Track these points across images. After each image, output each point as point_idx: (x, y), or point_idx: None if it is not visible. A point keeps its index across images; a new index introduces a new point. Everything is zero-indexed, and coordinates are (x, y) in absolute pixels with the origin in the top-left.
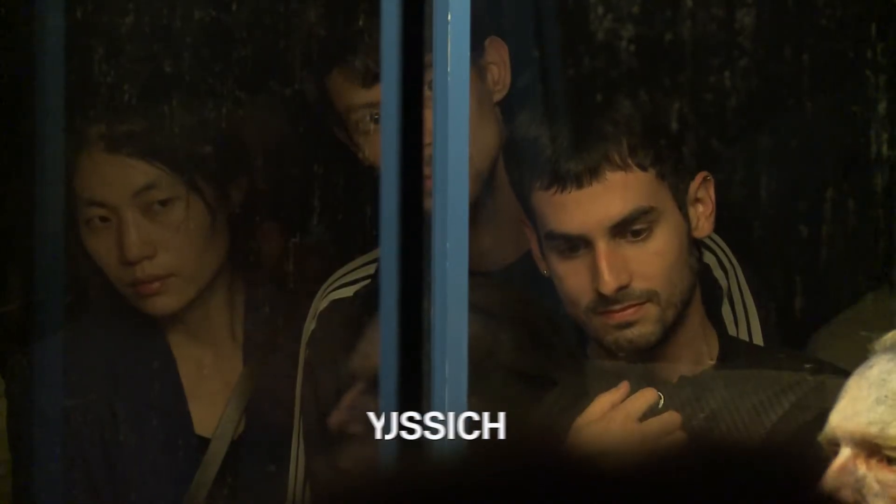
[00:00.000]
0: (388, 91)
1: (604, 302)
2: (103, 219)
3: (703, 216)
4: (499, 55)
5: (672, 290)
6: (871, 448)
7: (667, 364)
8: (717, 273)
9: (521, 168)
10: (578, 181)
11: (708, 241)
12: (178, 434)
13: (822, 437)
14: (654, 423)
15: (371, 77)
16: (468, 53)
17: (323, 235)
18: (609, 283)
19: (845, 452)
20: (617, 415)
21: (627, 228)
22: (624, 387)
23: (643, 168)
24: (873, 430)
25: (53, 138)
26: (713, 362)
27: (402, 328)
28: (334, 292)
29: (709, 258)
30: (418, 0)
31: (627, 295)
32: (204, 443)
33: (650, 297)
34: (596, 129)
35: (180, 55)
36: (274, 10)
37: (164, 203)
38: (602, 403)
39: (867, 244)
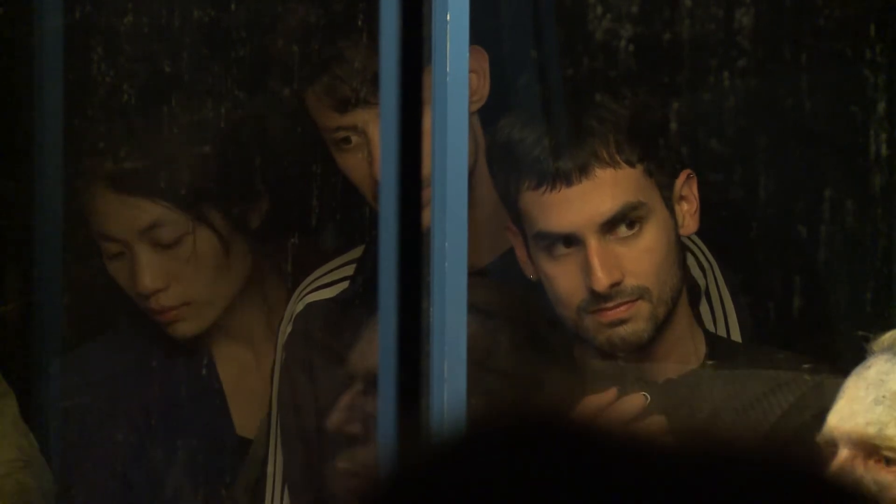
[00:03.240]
0: (387, 91)
1: (596, 300)
2: (117, 251)
3: (688, 214)
4: (478, 64)
5: (663, 286)
6: (869, 449)
7: (656, 364)
8: (695, 272)
9: (507, 170)
10: (568, 179)
11: (685, 240)
12: (219, 436)
13: (819, 438)
14: (641, 428)
15: (344, 104)
16: (467, 53)
17: (346, 234)
18: (602, 280)
19: (843, 453)
20: (603, 419)
21: (618, 225)
22: (612, 392)
23: (631, 164)
24: (871, 430)
25: (53, 138)
26: (701, 362)
27: (401, 328)
28: (310, 295)
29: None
30: (417, 0)
31: (620, 292)
32: (245, 444)
33: (642, 293)
34: (583, 127)
35: (180, 86)
36: (271, 21)
37: (170, 241)
38: (588, 407)
39: (864, 244)
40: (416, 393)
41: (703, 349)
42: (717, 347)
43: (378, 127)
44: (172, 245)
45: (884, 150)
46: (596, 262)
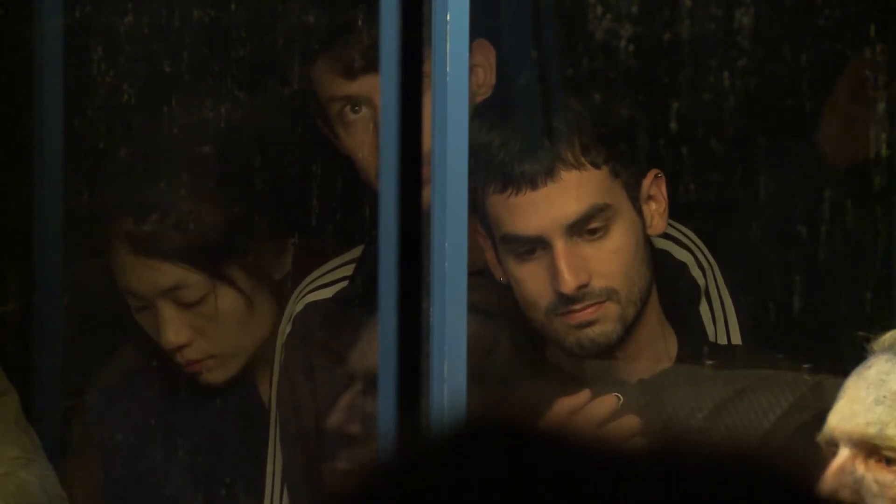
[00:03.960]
0: (387, 91)
1: (564, 302)
2: (143, 306)
3: (656, 213)
4: (485, 58)
5: (631, 287)
6: (870, 448)
7: (627, 364)
8: (695, 272)
9: (473, 173)
10: (533, 182)
11: (685, 240)
12: (261, 446)
13: (820, 438)
14: (615, 429)
15: (354, 69)
16: (467, 53)
17: (348, 239)
18: (569, 282)
19: (844, 453)
20: (576, 420)
21: (584, 227)
22: (585, 393)
23: (596, 166)
24: (872, 430)
25: (53, 138)
26: (673, 361)
27: (400, 328)
28: (309, 295)
29: (686, 257)
30: (417, 0)
31: (587, 294)
32: None
33: (610, 295)
34: (548, 130)
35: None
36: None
37: (193, 300)
38: (561, 408)
39: (864, 244)
40: (416, 393)
41: (674, 348)
42: (690, 347)
43: None
44: (195, 305)
45: (884, 150)
46: (563, 264)
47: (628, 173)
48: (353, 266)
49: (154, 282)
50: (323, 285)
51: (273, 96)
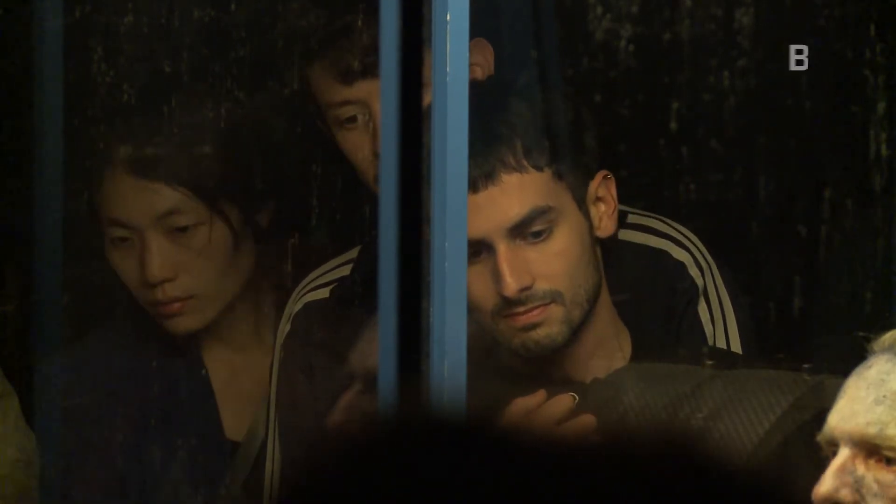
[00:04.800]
0: (387, 91)
1: (508, 305)
2: (124, 238)
3: (605, 215)
4: (483, 57)
5: (576, 289)
6: (870, 448)
7: (577, 364)
8: (693, 271)
9: None
10: (474, 186)
11: (683, 240)
12: (208, 439)
13: (820, 438)
14: (571, 428)
15: (350, 74)
16: (467, 53)
17: (347, 239)
18: (511, 284)
19: (844, 453)
20: (533, 420)
21: (527, 230)
22: (540, 393)
23: (539, 168)
24: (872, 430)
25: (53, 138)
26: (627, 360)
27: (400, 328)
28: (308, 294)
29: (684, 256)
30: (417, 0)
31: (531, 296)
32: (235, 447)
33: (554, 297)
34: (489, 133)
35: (209, 79)
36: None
37: (185, 228)
38: (517, 409)
39: (864, 244)
40: (416, 393)
41: (628, 347)
42: (644, 346)
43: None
44: (187, 233)
45: (884, 150)
46: (505, 267)
47: (573, 175)
48: (349, 266)
49: (151, 205)
50: (322, 285)
51: (275, 86)
